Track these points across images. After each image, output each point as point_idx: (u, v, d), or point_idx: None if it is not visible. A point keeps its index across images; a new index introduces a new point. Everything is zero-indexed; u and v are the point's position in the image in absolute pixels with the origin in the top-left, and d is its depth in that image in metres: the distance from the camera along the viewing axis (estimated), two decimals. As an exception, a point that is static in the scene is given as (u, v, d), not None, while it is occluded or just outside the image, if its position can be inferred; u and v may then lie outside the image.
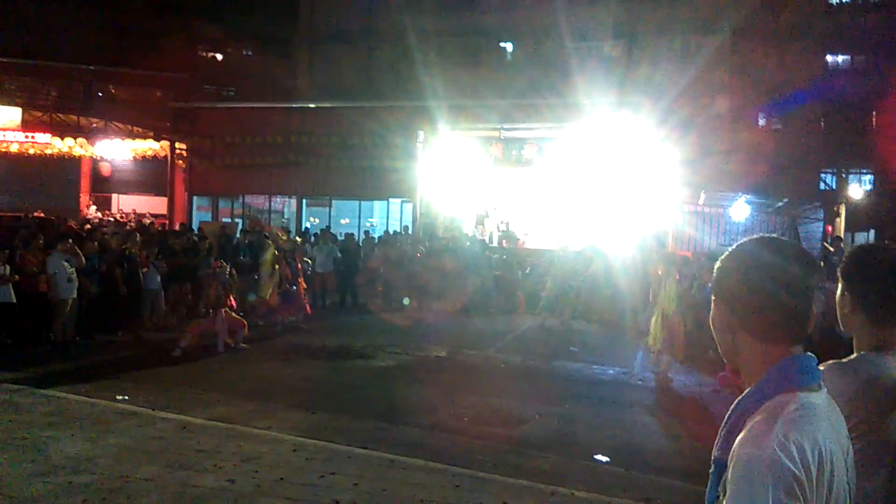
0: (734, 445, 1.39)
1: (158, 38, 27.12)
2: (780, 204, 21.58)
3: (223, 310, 10.75)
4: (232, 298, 11.12)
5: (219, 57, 32.22)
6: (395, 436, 6.84)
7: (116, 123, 24.73)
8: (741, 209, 20.25)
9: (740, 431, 1.41)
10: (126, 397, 7.88)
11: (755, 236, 1.56)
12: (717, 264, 1.58)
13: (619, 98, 19.39)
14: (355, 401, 8.28)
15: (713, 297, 1.59)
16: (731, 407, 1.51)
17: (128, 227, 18.14)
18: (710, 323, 1.60)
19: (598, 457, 6.47)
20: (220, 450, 6.01)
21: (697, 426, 7.35)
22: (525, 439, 6.96)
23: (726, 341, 1.55)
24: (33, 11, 27.02)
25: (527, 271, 16.58)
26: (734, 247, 1.57)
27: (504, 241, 19.19)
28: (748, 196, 20.44)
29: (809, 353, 1.50)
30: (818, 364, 1.53)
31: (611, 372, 10.27)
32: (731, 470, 1.36)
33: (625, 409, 8.29)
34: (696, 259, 15.02)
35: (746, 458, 1.34)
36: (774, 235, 1.56)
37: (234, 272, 11.58)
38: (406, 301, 12.21)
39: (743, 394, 1.50)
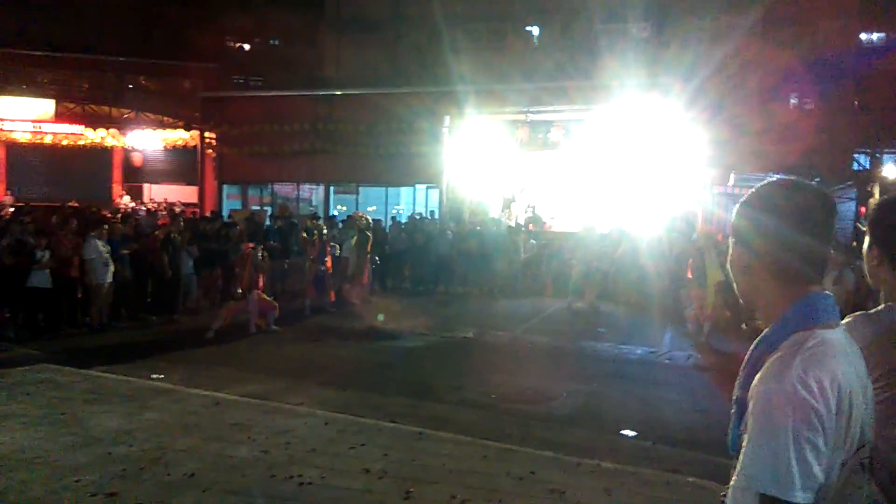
0: (754, 382, 1.41)
1: (187, 29, 27.43)
2: (812, 184, 21.24)
3: (255, 292, 10.93)
4: (262, 281, 11.29)
5: (246, 47, 32.52)
6: (424, 411, 6.94)
7: (147, 114, 25.15)
8: (772, 190, 19.93)
9: (760, 369, 1.43)
10: (161, 376, 8.10)
11: (773, 178, 1.58)
12: (736, 207, 1.60)
13: (648, 79, 19.17)
14: (385, 379, 8.40)
15: (731, 240, 1.62)
16: (751, 347, 1.53)
17: (160, 215, 18.48)
18: (729, 265, 1.62)
19: (625, 431, 6.50)
20: (254, 423, 6.16)
21: (726, 402, 7.33)
22: (552, 415, 7.02)
23: (745, 282, 1.58)
24: (64, 4, 27.48)
25: (550, 254, 16.53)
26: (753, 189, 1.59)
27: (531, 225, 19.14)
28: (779, 176, 20.11)
29: (827, 292, 1.52)
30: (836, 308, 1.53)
31: (638, 352, 10.26)
32: (751, 405, 1.39)
33: (652, 387, 8.29)
34: (727, 241, 14.87)
35: (766, 393, 1.36)
36: (793, 177, 1.57)
37: (265, 255, 11.76)
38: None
39: (762, 333, 1.52)
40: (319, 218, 17.34)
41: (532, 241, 17.01)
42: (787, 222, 1.48)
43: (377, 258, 15.08)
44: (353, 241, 14.10)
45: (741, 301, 1.62)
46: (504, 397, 7.62)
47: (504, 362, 9.35)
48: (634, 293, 13.77)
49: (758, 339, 1.53)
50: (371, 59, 26.18)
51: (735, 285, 1.61)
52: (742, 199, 1.59)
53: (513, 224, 18.47)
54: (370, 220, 15.45)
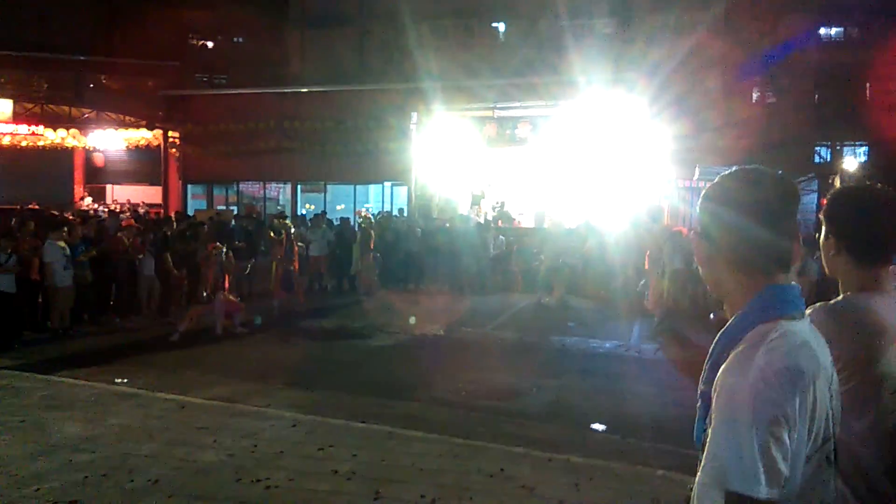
0: (718, 376, 1.39)
1: (148, 27, 27.00)
2: (775, 177, 21.61)
3: (221, 293, 10.77)
4: (228, 282, 11.12)
5: (210, 44, 32.08)
6: (394, 410, 6.89)
7: (108, 113, 24.67)
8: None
9: (723, 363, 1.41)
10: (125, 380, 7.93)
11: (734, 168, 1.56)
12: (699, 200, 1.59)
13: (614, 75, 19.36)
14: (353, 379, 8.33)
15: (694, 232, 1.61)
16: (715, 339, 1.51)
17: (123, 217, 18.15)
18: (695, 258, 1.61)
19: (595, 426, 6.53)
20: (220, 427, 6.05)
21: (694, 394, 7.40)
22: (522, 411, 7.01)
23: (709, 274, 1.57)
24: (22, 2, 26.84)
25: (519, 250, 16.59)
26: (714, 181, 1.57)
27: (499, 221, 19.19)
28: (741, 167, 20.45)
29: (792, 284, 1.50)
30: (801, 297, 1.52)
31: (607, 346, 10.32)
32: (715, 400, 1.37)
33: (621, 381, 8.33)
34: (691, 234, 15.06)
35: (730, 386, 1.35)
36: (755, 166, 1.55)
37: (230, 255, 11.59)
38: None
39: (726, 325, 1.51)
40: (287, 217, 17.18)
41: (501, 237, 17.04)
42: (747, 214, 1.46)
43: (378, 254, 15.21)
44: (357, 238, 14.66)
45: (709, 291, 1.61)
46: (474, 394, 7.59)
47: (474, 359, 9.33)
48: (602, 288, 13.87)
49: (721, 331, 1.50)
50: (337, 55, 26.02)
51: (704, 279, 1.60)
52: (704, 192, 1.57)
53: (482, 220, 18.48)
54: (371, 217, 15.53)
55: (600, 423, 6.61)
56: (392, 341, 10.59)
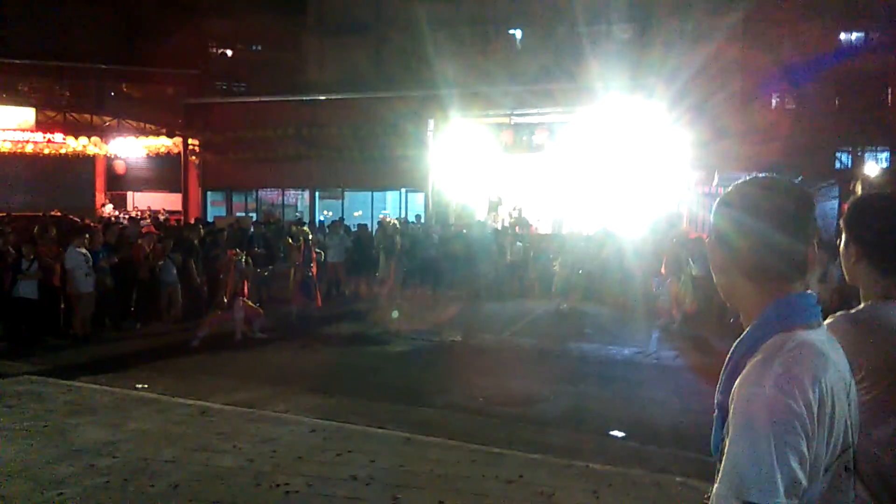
0: (734, 387, 1.39)
1: (169, 35, 27.36)
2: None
3: (240, 299, 10.85)
4: (246, 288, 11.21)
5: (229, 53, 32.43)
6: (411, 416, 6.90)
7: (129, 121, 24.98)
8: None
9: (740, 373, 1.41)
10: (145, 386, 8.00)
11: (750, 176, 1.57)
12: (714, 206, 1.58)
13: (632, 81, 19.31)
14: (371, 384, 8.35)
15: (710, 239, 1.61)
16: (731, 349, 1.51)
17: (143, 224, 18.35)
18: (710, 265, 1.61)
19: (614, 432, 6.50)
20: (239, 432, 6.10)
21: (709, 401, 7.35)
22: (540, 417, 7.00)
23: (724, 282, 1.56)
24: (44, 12, 27.29)
25: (536, 256, 16.58)
26: (731, 187, 1.57)
27: (517, 227, 19.17)
28: (757, 174, 20.29)
29: (808, 292, 1.49)
30: (817, 304, 1.51)
31: (625, 352, 10.27)
32: (732, 411, 1.36)
33: (640, 387, 8.29)
34: (707, 240, 15.00)
35: (746, 397, 1.34)
36: (770, 174, 1.56)
37: (250, 261, 11.69)
38: (395, 314, 12.48)
39: (742, 335, 1.50)
40: (305, 224, 17.28)
41: (518, 243, 17.03)
42: (764, 222, 1.46)
43: (404, 259, 15.21)
44: (382, 246, 14.77)
45: (727, 302, 1.60)
46: (491, 400, 7.59)
47: (491, 365, 9.33)
48: (620, 294, 13.81)
49: (737, 340, 1.50)
50: (354, 62, 26.19)
51: (718, 288, 1.59)
52: (720, 199, 1.57)
53: (499, 227, 18.48)
54: (397, 224, 15.55)
55: (619, 429, 6.57)
56: (409, 347, 10.62)
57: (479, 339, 11.21)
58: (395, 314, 12.55)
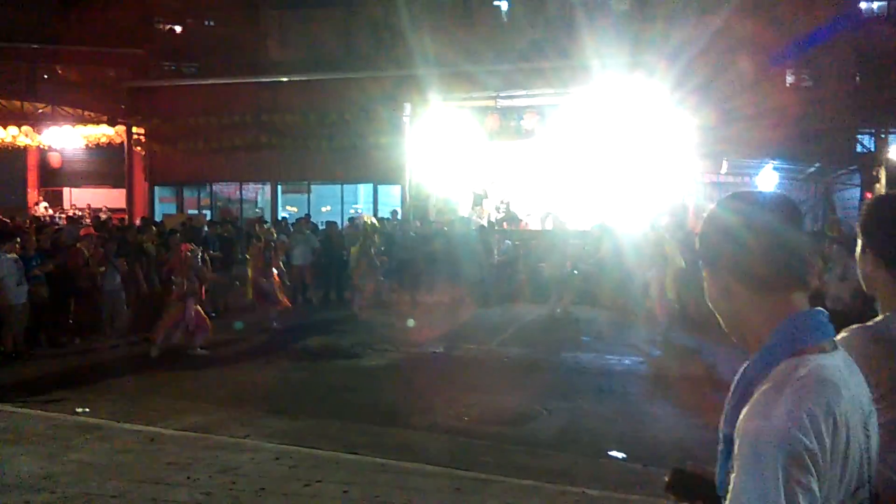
0: (741, 418, 1.41)
1: (109, 10, 27.03)
2: (812, 170, 21.65)
3: (193, 299, 10.80)
4: (203, 290, 11.18)
5: (178, 29, 32.11)
6: (388, 440, 6.93)
7: (65, 108, 24.69)
8: (769, 177, 20.32)
9: (747, 403, 1.43)
10: (86, 410, 7.94)
11: (729, 194, 1.64)
12: (699, 231, 1.64)
13: (631, 59, 19.38)
14: (343, 404, 8.36)
15: (702, 266, 1.65)
16: (737, 377, 1.54)
17: (83, 224, 18.20)
18: (707, 298, 1.64)
19: (613, 453, 6.57)
20: (194, 461, 6.08)
21: (717, 415, 7.44)
22: (532, 437, 7.05)
23: (725, 308, 1.60)
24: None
25: (527, 255, 16.66)
26: (709, 209, 1.63)
27: (504, 223, 19.24)
28: (776, 163, 20.50)
29: (818, 308, 1.52)
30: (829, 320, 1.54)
31: (626, 362, 10.37)
32: (738, 445, 1.39)
33: (641, 401, 8.39)
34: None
35: (754, 431, 1.36)
36: (752, 189, 1.63)
37: (207, 259, 11.66)
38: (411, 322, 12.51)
39: (748, 361, 1.53)
40: (267, 222, 17.21)
41: (506, 241, 17.10)
42: (758, 232, 1.51)
43: (382, 262, 15.11)
44: (356, 247, 14.47)
45: (730, 334, 1.63)
46: (478, 420, 7.64)
47: (477, 380, 9.37)
48: (619, 297, 13.91)
49: (743, 367, 1.53)
50: (320, 39, 26.07)
51: (718, 317, 1.63)
52: (704, 220, 1.63)
53: (484, 223, 18.53)
54: (375, 223, 15.45)
55: (619, 450, 6.64)
56: (385, 361, 10.63)
57: (464, 349, 11.25)
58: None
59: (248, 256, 13.26)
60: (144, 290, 12.81)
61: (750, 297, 1.54)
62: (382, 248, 15.17)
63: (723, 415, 1.53)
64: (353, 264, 14.57)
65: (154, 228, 14.80)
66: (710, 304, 1.64)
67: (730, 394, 1.54)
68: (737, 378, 1.54)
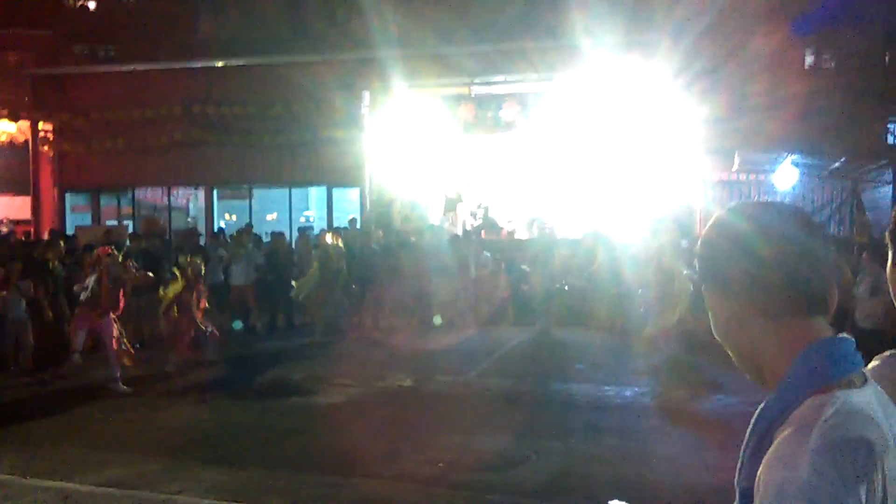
0: (760, 469, 1.41)
1: (10, -17, 26.78)
2: (838, 164, 21.94)
3: (112, 317, 10.79)
4: (122, 302, 11.16)
5: (91, 5, 31.89)
6: (349, 492, 6.92)
7: (-43, 100, 24.41)
8: (787, 174, 20.55)
9: (767, 450, 1.43)
10: (-13, 462, 7.86)
11: (729, 205, 1.65)
12: (696, 249, 1.65)
13: (628, 37, 19.55)
14: (296, 450, 8.33)
15: (704, 289, 1.65)
16: (753, 419, 1.54)
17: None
18: (712, 326, 1.65)
19: (613, 502, 6.59)
20: (117, 523, 6.04)
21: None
22: (518, 485, 7.08)
23: (733, 339, 1.61)
24: None
25: (509, 268, 16.75)
26: (714, 218, 1.64)
27: (483, 232, 19.31)
28: (795, 157, 20.76)
29: (844, 336, 1.53)
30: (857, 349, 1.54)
31: (627, 393, 10.45)
32: (758, 499, 1.39)
33: (644, 440, 8.44)
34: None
35: (777, 483, 1.36)
36: (759, 200, 1.64)
37: (130, 267, 11.64)
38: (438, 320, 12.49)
39: (764, 402, 1.53)
40: (199, 235, 17.08)
41: (485, 253, 17.15)
42: (770, 246, 1.51)
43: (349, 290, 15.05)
44: (313, 270, 14.49)
45: (742, 369, 1.63)
46: (455, 465, 7.64)
47: (454, 418, 9.39)
48: (616, 317, 14.02)
49: (759, 408, 1.53)
50: (263, 15, 26.00)
51: (729, 351, 1.63)
52: (705, 234, 1.64)
53: (459, 232, 18.58)
54: (341, 245, 15.28)
55: (620, 497, 6.65)
56: (344, 397, 10.61)
57: (437, 382, 11.27)
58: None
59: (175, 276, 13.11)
60: (49, 317, 12.67)
61: (764, 324, 1.54)
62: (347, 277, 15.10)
63: (738, 464, 1.53)
64: (306, 290, 14.49)
65: (63, 244, 14.62)
66: (715, 334, 1.64)
67: (746, 439, 1.53)
68: (753, 420, 1.53)
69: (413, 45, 20.20)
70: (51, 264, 13.42)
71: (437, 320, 12.63)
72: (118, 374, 10.89)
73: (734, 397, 9.94)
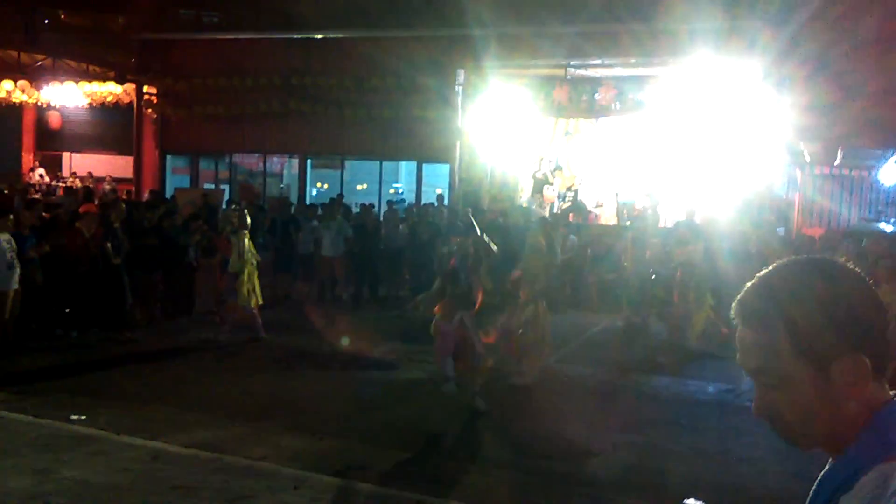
0: None
1: (120, -52, 27.40)
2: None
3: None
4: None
5: (198, -28, 32.48)
6: (424, 470, 6.99)
7: (68, 61, 25.13)
8: (893, 170, 19.83)
9: None
10: (83, 417, 8.14)
11: (792, 259, 1.54)
12: (749, 289, 1.53)
13: (728, 23, 19.06)
14: (373, 424, 8.44)
15: (748, 326, 1.52)
16: (815, 486, 1.48)
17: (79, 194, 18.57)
18: (758, 372, 1.53)
19: (689, 501, 6.52)
20: (202, 486, 6.22)
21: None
22: (594, 477, 7.05)
23: (795, 402, 1.47)
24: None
25: (595, 255, 16.56)
26: (766, 273, 1.53)
27: (571, 215, 19.12)
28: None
29: None
30: None
31: (710, 390, 10.27)
32: None
33: (728, 439, 8.30)
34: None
35: None
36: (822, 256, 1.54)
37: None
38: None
39: (829, 466, 1.48)
40: (236, 206, 16.70)
41: (572, 236, 17.00)
42: (850, 297, 1.42)
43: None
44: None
45: (794, 440, 1.52)
46: (530, 451, 7.65)
47: (531, 403, 9.36)
48: (709, 310, 13.73)
49: (821, 475, 1.48)
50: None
51: (774, 417, 1.52)
52: (751, 284, 1.53)
53: (546, 214, 18.44)
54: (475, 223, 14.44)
55: (698, 497, 6.58)
56: (425, 374, 10.67)
57: (516, 366, 11.24)
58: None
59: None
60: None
61: (826, 387, 1.43)
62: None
63: None
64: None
65: (163, 206, 14.99)
66: (759, 407, 1.54)
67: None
68: (815, 486, 1.48)
69: (506, 25, 20.01)
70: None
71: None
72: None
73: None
